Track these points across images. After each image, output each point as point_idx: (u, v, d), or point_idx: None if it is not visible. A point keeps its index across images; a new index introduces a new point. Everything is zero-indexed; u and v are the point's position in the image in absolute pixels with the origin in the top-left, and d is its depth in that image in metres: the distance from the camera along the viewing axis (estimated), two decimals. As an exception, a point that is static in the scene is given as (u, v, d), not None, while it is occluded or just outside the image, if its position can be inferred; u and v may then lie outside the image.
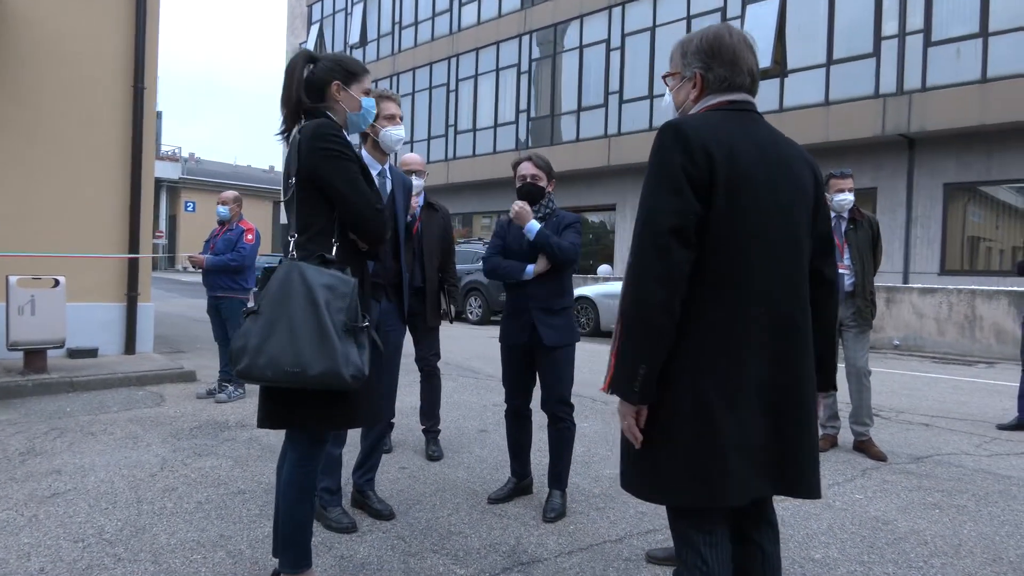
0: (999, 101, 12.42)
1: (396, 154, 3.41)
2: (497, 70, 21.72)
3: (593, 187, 19.57)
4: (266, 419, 2.29)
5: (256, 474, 3.85)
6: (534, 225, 3.36)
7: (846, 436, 4.78)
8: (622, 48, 18.47)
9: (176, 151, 41.83)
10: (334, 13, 28.49)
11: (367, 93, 2.43)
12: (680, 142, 1.62)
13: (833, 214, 4.62)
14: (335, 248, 2.26)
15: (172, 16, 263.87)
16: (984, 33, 12.89)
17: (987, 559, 2.94)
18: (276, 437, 4.60)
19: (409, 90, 24.81)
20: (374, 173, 3.06)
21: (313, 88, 2.34)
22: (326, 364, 2.08)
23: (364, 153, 3.18)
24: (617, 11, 18.59)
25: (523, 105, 20.96)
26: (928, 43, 13.59)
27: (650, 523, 3.26)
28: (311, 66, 2.36)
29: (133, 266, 7.17)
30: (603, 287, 12.54)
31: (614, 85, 18.59)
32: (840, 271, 4.35)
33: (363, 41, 26.72)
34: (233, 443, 4.48)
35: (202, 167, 47.05)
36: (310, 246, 2.24)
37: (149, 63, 7.19)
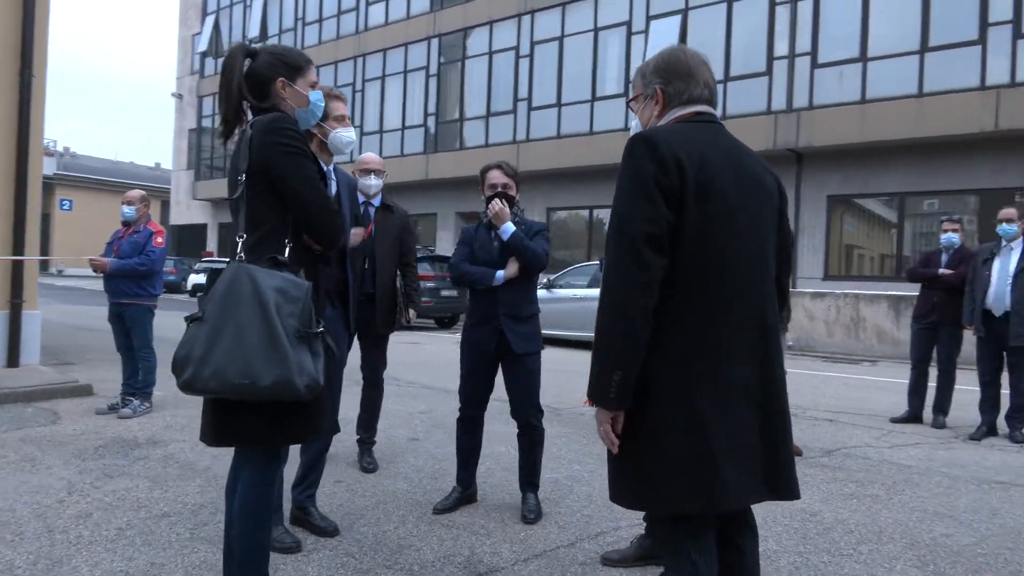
0: (876, 121, 13.46)
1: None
2: (405, 72, 21.47)
3: (501, 192, 19.68)
4: (215, 436, 2.11)
5: (178, 494, 3.60)
6: (510, 227, 3.35)
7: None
8: (531, 56, 18.71)
9: (51, 144, 38.69)
10: (232, 5, 27.31)
11: (313, 86, 2.29)
12: (651, 151, 1.66)
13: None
14: (288, 249, 2.12)
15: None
16: (864, 58, 13.96)
17: (906, 544, 3.16)
18: (194, 454, 4.34)
19: (312, 89, 24.08)
20: None
21: (256, 86, 2.18)
22: (277, 374, 1.92)
23: None
24: (526, 19, 18.82)
25: (431, 108, 20.82)
26: (815, 65, 14.57)
27: (597, 526, 3.30)
28: (249, 60, 2.20)
29: (17, 269, 6.55)
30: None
31: (523, 92, 18.79)
32: None
33: (263, 36, 25.73)
34: (147, 462, 4.17)
35: (78, 162, 43.87)
36: (260, 247, 2.09)
37: (39, 48, 6.61)
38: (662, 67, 1.89)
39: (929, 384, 5.95)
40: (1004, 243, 5.32)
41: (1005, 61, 12.55)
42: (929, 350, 5.90)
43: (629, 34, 17.02)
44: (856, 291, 12.30)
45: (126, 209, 5.36)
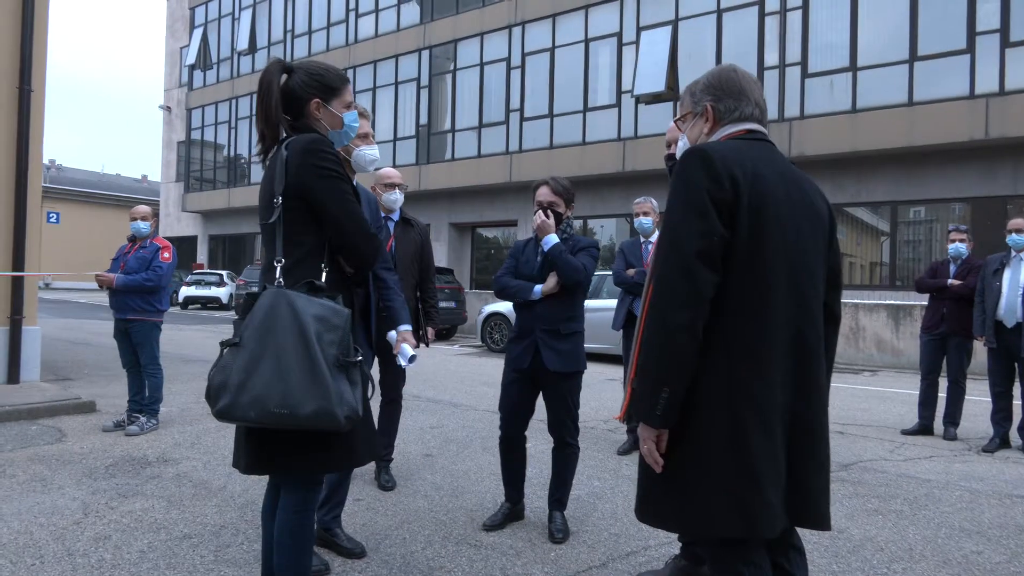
0: (867, 130, 13.59)
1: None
2: (396, 83, 21.47)
3: (494, 203, 19.68)
4: (253, 464, 2.05)
5: (197, 515, 3.53)
6: (552, 238, 3.33)
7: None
8: (523, 67, 18.76)
9: (35, 157, 38.31)
10: (220, 18, 27.21)
11: (348, 107, 2.26)
12: (705, 166, 1.63)
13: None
14: (324, 274, 2.07)
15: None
16: (854, 68, 14.10)
17: (939, 562, 3.15)
18: (207, 472, 4.26)
19: (302, 100, 24.03)
20: None
21: (290, 104, 2.14)
22: (318, 403, 1.87)
23: None
24: (517, 30, 18.88)
25: (423, 120, 20.82)
26: (805, 75, 14.70)
27: (627, 545, 3.26)
28: (285, 76, 2.17)
29: (17, 285, 6.45)
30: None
31: (515, 103, 18.82)
32: None
33: (252, 48, 25.68)
34: (160, 481, 4.10)
35: (65, 175, 43.52)
36: (296, 272, 2.03)
37: (37, 62, 6.53)
38: (713, 84, 1.87)
39: (939, 395, 5.96)
40: (1014, 253, 5.36)
41: (993, 70, 12.72)
42: (939, 361, 5.91)
43: (620, 45, 17.11)
44: (855, 300, 12.38)
45: (141, 225, 5.27)
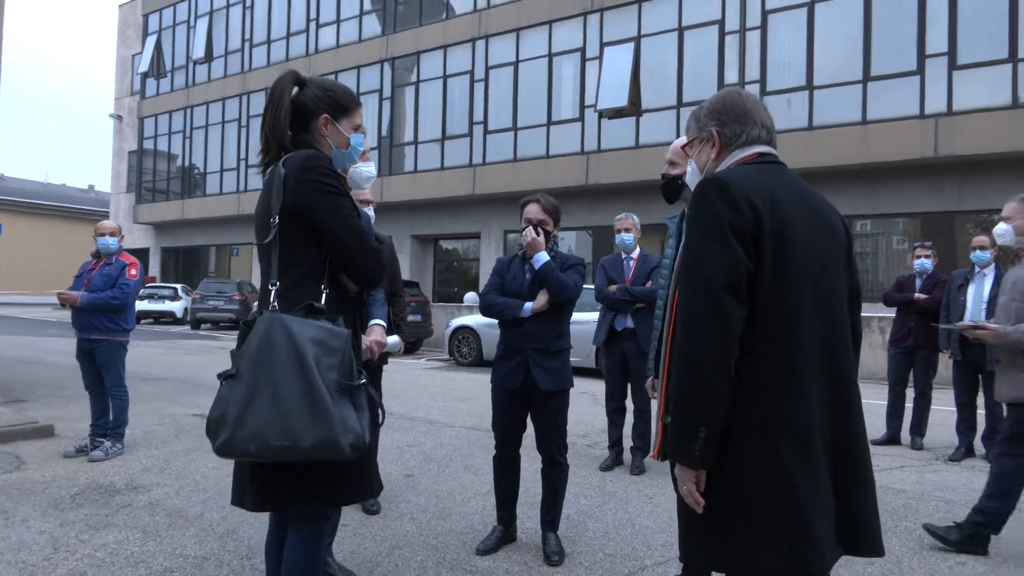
0: (823, 146, 13.98)
1: None
2: (358, 94, 21.21)
3: (457, 215, 19.63)
4: (261, 501, 1.95)
5: (175, 546, 3.38)
6: (543, 256, 3.29)
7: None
8: (486, 80, 18.80)
9: (-25, 166, 36.80)
10: (174, 25, 26.63)
11: (357, 129, 2.19)
12: (724, 195, 1.60)
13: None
14: (324, 295, 1.98)
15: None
16: (810, 87, 14.52)
17: (927, 574, 3.20)
18: (180, 499, 4.10)
19: (261, 111, 23.62)
20: None
21: (298, 116, 2.06)
22: (320, 434, 1.78)
23: None
24: (481, 44, 18.93)
25: (385, 131, 20.68)
26: (764, 92, 15.05)
27: (623, 566, 3.24)
28: (296, 89, 2.09)
29: (-33, 303, 6.13)
30: (484, 317, 12.50)
31: (478, 116, 18.84)
32: None
33: (208, 57, 25.19)
34: (131, 510, 3.92)
35: (7, 184, 41.88)
36: (294, 294, 1.94)
37: (-8, 71, 6.27)
38: (717, 109, 1.84)
39: (906, 405, 6.12)
40: (977, 269, 5.54)
41: (942, 91, 13.24)
42: (906, 373, 6.07)
43: (583, 60, 17.30)
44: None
45: (109, 241, 5.06)
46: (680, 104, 15.93)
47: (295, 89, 2.08)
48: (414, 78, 20.26)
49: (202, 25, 25.33)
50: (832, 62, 14.36)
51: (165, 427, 6.18)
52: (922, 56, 13.43)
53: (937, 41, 13.30)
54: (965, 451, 5.55)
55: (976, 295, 5.47)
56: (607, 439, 5.20)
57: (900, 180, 13.60)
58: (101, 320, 4.96)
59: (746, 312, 1.58)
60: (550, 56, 17.79)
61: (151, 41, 27.08)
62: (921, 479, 4.94)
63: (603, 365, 5.41)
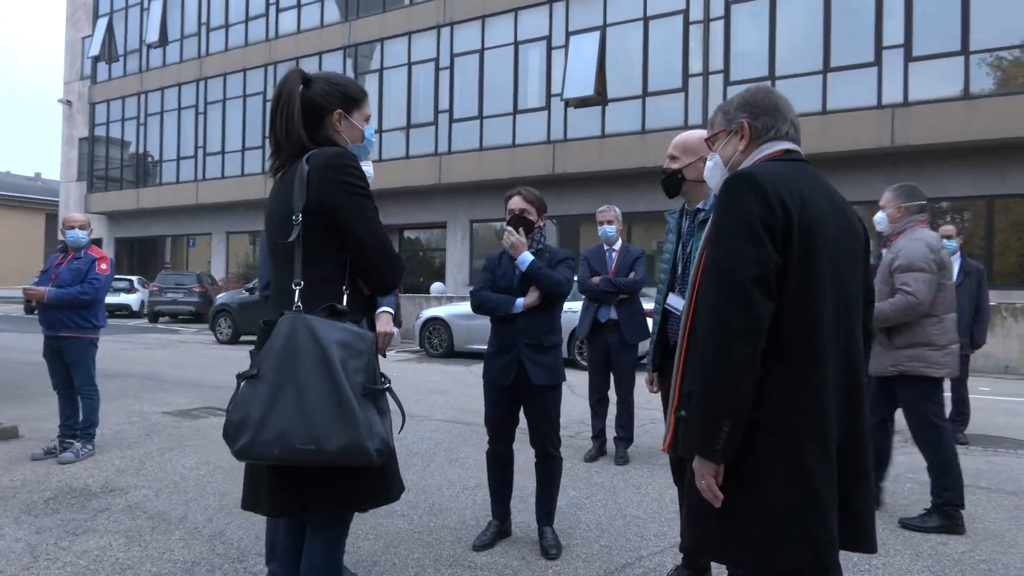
0: (787, 136, 14.25)
1: None
2: (319, 82, 20.88)
3: (424, 204, 19.47)
4: (280, 506, 1.90)
5: (162, 551, 3.29)
6: (527, 257, 3.27)
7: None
8: (451, 68, 18.64)
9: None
10: (127, 7, 25.74)
11: (367, 120, 2.15)
12: (755, 192, 1.61)
13: None
14: (346, 297, 1.94)
15: None
16: (772, 77, 14.72)
17: (912, 555, 3.30)
18: (161, 501, 4.00)
19: (219, 97, 23.09)
20: None
21: (310, 114, 2.01)
22: (347, 437, 1.73)
23: None
24: (446, 31, 18.74)
25: (349, 119, 20.34)
26: (728, 82, 15.24)
27: (620, 557, 3.26)
28: (302, 87, 2.03)
29: (-79, 300, 5.85)
30: (456, 308, 12.45)
31: (444, 104, 18.68)
32: None
33: (163, 41, 24.44)
34: (110, 514, 3.80)
35: (-54, 172, 40.13)
36: (316, 295, 1.90)
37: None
38: (749, 102, 1.86)
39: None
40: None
41: (898, 82, 13.58)
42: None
43: (549, 48, 17.27)
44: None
45: (79, 234, 4.87)
46: (645, 94, 16.03)
47: (300, 87, 2.02)
48: (378, 65, 19.97)
49: (156, 8, 24.54)
50: (793, 53, 14.60)
51: (135, 426, 6.01)
52: (879, 48, 13.74)
53: (893, 33, 13.62)
54: (932, 434, 5.72)
55: (944, 283, 5.62)
56: (590, 430, 5.23)
57: (859, 169, 13.91)
58: (70, 317, 4.79)
59: (773, 306, 1.59)
60: (516, 44, 17.71)
61: (102, 24, 26.14)
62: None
63: (586, 356, 5.44)
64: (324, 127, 2.04)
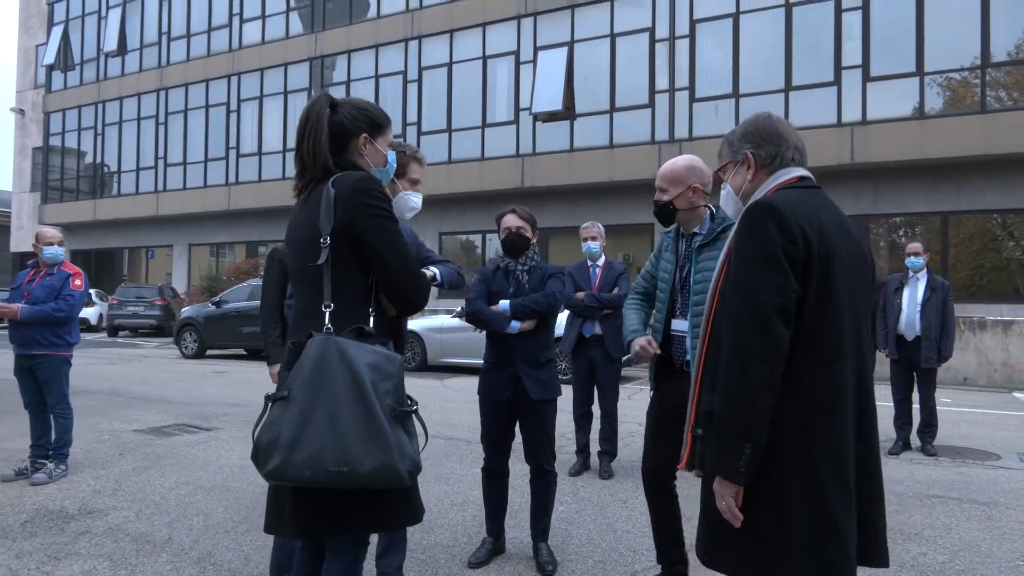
0: (750, 153, 14.58)
1: None
2: (285, 92, 20.69)
3: (391, 217, 19.36)
4: (304, 528, 1.89)
5: (151, 575, 3.22)
6: (504, 303, 3.32)
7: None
8: (419, 81, 18.65)
9: None
10: (84, 15, 25.14)
11: (390, 145, 2.19)
12: (776, 221, 1.67)
13: None
14: (372, 319, 1.96)
15: None
16: (736, 95, 15.09)
17: (896, 566, 3.39)
18: (142, 522, 3.91)
19: (181, 107, 22.68)
20: None
21: (336, 138, 2.03)
22: (379, 459, 1.74)
23: None
24: (413, 44, 18.76)
25: (315, 131, 20.16)
26: (693, 99, 15.57)
27: (614, 572, 3.30)
28: (328, 112, 2.05)
29: None
30: (429, 321, 12.40)
31: (411, 117, 18.67)
32: None
33: (122, 50, 23.93)
34: (92, 537, 3.70)
35: None
36: (344, 317, 1.91)
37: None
38: (751, 132, 1.92)
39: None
40: (911, 274, 5.92)
41: (857, 101, 14.03)
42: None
43: (518, 63, 17.40)
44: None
45: (57, 251, 4.75)
46: (613, 109, 16.25)
47: (328, 111, 2.04)
48: (344, 77, 19.88)
49: (114, 16, 24.03)
50: (756, 72, 14.97)
51: (106, 445, 5.86)
52: (838, 68, 14.18)
53: (852, 54, 14.08)
54: (903, 445, 5.91)
55: (911, 298, 5.84)
56: (574, 444, 5.26)
57: (821, 185, 14.27)
58: (43, 334, 4.66)
59: (792, 333, 1.64)
60: (484, 58, 17.81)
61: (57, 31, 25.48)
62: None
63: (571, 371, 5.49)
64: (349, 151, 2.06)
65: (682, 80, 15.66)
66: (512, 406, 3.35)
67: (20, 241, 28.29)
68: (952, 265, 13.96)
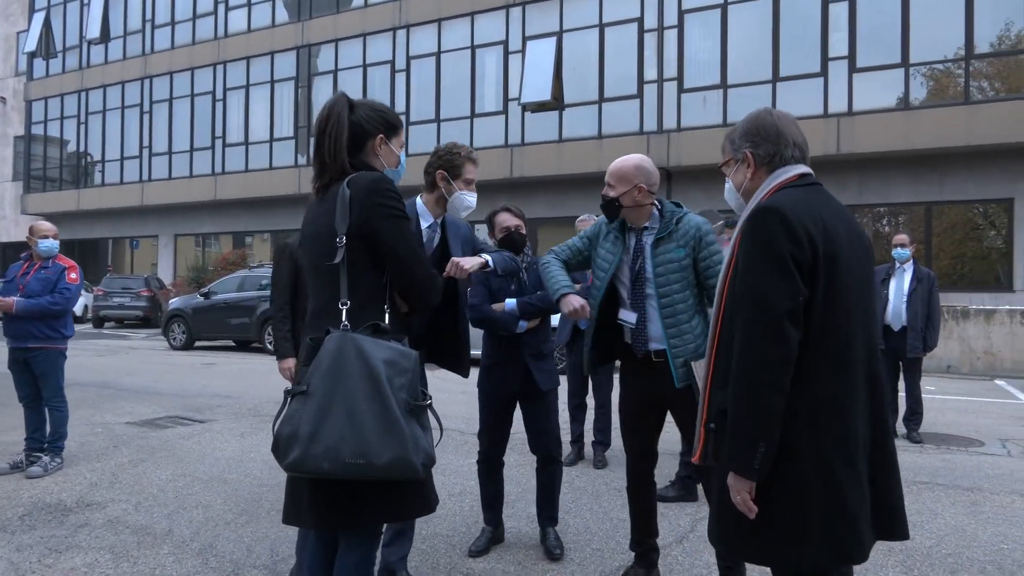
0: (738, 143, 14.65)
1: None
2: (272, 82, 20.53)
3: (380, 208, 19.33)
4: (323, 519, 1.95)
5: (153, 567, 3.25)
6: (511, 303, 3.36)
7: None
8: (407, 70, 18.57)
9: None
10: (65, 2, 24.78)
11: (402, 147, 2.26)
12: (783, 225, 1.72)
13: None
14: (387, 316, 2.02)
15: None
16: (724, 85, 15.15)
17: (884, 551, 3.49)
18: (142, 515, 3.93)
19: (166, 96, 22.45)
20: (424, 225, 2.85)
21: (353, 138, 2.09)
22: (395, 452, 1.81)
23: (419, 203, 2.90)
24: (401, 34, 18.66)
25: (303, 120, 20.05)
26: (681, 90, 15.61)
27: (612, 560, 3.36)
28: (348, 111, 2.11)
29: None
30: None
31: (400, 106, 18.58)
32: None
33: (104, 37, 23.61)
34: (91, 529, 3.72)
35: None
36: (360, 314, 1.97)
37: None
38: (750, 131, 1.96)
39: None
40: (898, 265, 6.02)
41: (843, 92, 14.13)
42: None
43: (506, 53, 17.36)
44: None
45: (52, 244, 4.73)
46: (602, 99, 16.27)
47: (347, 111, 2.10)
48: (332, 66, 19.74)
49: (97, 3, 23.67)
50: (744, 62, 15.04)
51: (100, 437, 5.86)
52: (825, 59, 14.28)
53: (839, 45, 14.17)
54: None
55: (897, 289, 5.94)
56: (569, 435, 5.32)
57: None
58: (39, 327, 4.65)
59: (801, 335, 1.71)
60: (472, 48, 17.76)
61: (39, 18, 25.09)
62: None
63: (566, 362, 5.55)
64: (364, 151, 2.12)
65: (670, 70, 15.69)
66: (516, 399, 3.42)
67: (3, 231, 27.96)
68: (935, 254, 14.14)
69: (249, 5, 21.08)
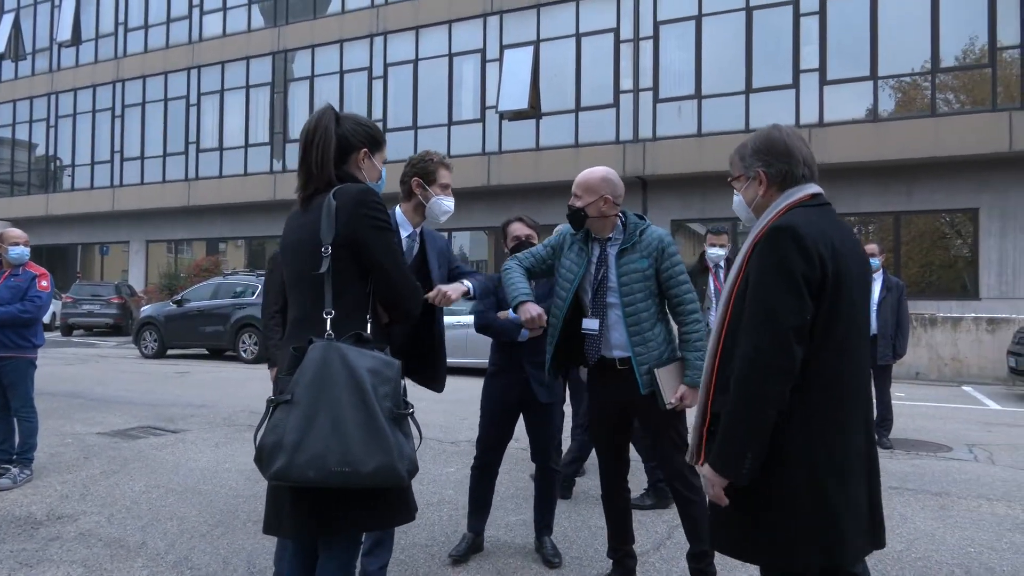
0: (711, 152, 14.79)
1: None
2: (247, 87, 20.37)
3: (356, 214, 19.25)
4: (303, 527, 1.95)
5: (127, 579, 3.21)
6: (513, 313, 3.36)
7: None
8: (385, 77, 18.55)
9: None
10: (36, 4, 24.39)
11: (384, 162, 2.30)
12: (797, 245, 1.77)
13: (712, 264, 5.46)
14: (369, 325, 2.04)
15: None
16: (699, 96, 15.36)
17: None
18: (115, 527, 3.87)
19: (138, 100, 22.16)
20: (404, 235, 2.85)
21: (338, 150, 2.11)
22: (381, 460, 1.83)
23: (398, 212, 2.90)
24: (379, 40, 18.65)
25: (278, 127, 19.92)
26: (656, 100, 15.80)
27: (592, 567, 3.38)
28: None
29: None
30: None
31: (377, 113, 18.55)
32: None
33: (76, 40, 23.28)
34: (63, 543, 3.65)
35: None
36: (343, 324, 1.99)
37: None
38: (761, 149, 1.97)
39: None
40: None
41: (814, 103, 14.41)
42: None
43: (484, 61, 17.44)
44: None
45: (25, 251, 4.65)
46: (578, 108, 16.40)
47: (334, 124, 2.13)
48: (308, 72, 19.66)
49: (68, 5, 23.33)
50: (718, 73, 15.26)
51: (70, 448, 5.76)
52: (797, 71, 14.55)
53: (810, 58, 14.46)
54: (859, 438, 6.14)
55: (868, 298, 6.07)
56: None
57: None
58: (8, 336, 4.57)
59: (804, 352, 1.77)
60: (450, 56, 17.81)
61: (8, 20, 24.66)
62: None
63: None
64: (348, 163, 2.15)
65: (646, 80, 15.87)
66: (518, 407, 3.44)
67: (-33, 237, 27.30)
68: (904, 263, 14.44)
69: (225, 9, 20.93)
